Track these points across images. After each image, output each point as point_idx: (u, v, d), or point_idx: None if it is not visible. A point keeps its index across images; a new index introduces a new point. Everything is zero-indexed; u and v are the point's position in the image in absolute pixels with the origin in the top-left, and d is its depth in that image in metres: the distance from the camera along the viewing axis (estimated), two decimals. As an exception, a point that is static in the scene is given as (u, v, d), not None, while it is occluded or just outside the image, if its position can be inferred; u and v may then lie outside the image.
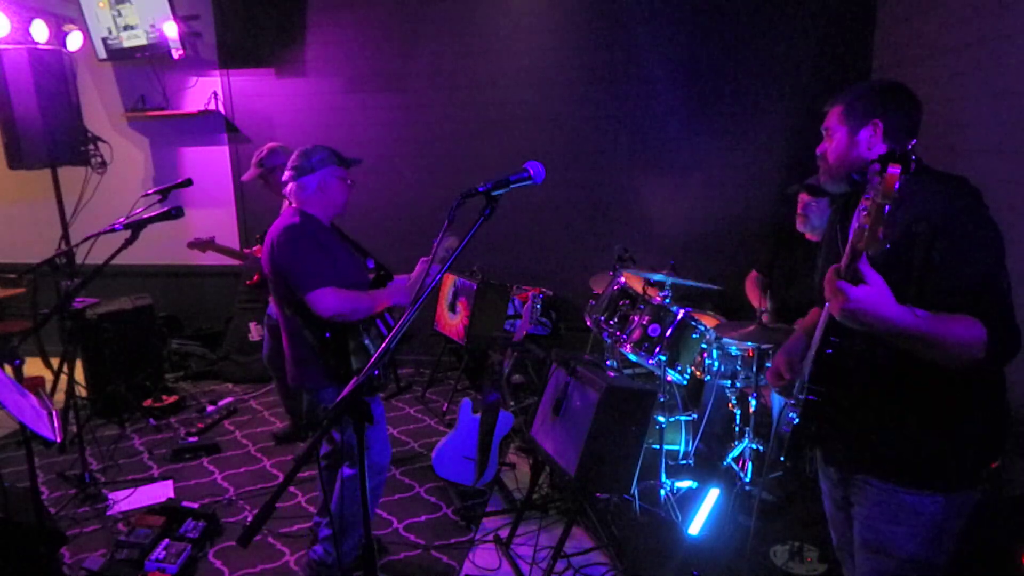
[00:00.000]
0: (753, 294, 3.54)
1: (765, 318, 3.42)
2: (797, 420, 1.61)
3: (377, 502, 2.85)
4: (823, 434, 1.69)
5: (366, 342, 2.41)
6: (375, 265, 2.63)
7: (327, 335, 2.37)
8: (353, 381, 1.52)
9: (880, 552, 1.63)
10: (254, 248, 3.69)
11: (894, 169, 1.24)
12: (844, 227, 1.70)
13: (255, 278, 3.72)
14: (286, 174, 2.49)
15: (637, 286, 3.36)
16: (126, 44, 4.81)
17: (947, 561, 1.61)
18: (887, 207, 1.24)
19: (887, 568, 1.63)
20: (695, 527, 2.93)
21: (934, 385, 1.50)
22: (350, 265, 2.51)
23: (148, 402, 4.39)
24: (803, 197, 3.12)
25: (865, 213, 1.26)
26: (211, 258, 3.88)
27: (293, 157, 2.50)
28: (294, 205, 2.50)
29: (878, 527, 1.62)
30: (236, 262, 3.77)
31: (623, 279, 3.23)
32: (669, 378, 3.11)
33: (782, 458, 1.99)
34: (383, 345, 1.55)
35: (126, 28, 4.77)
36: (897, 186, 1.24)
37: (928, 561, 1.59)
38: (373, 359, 1.56)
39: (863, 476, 1.64)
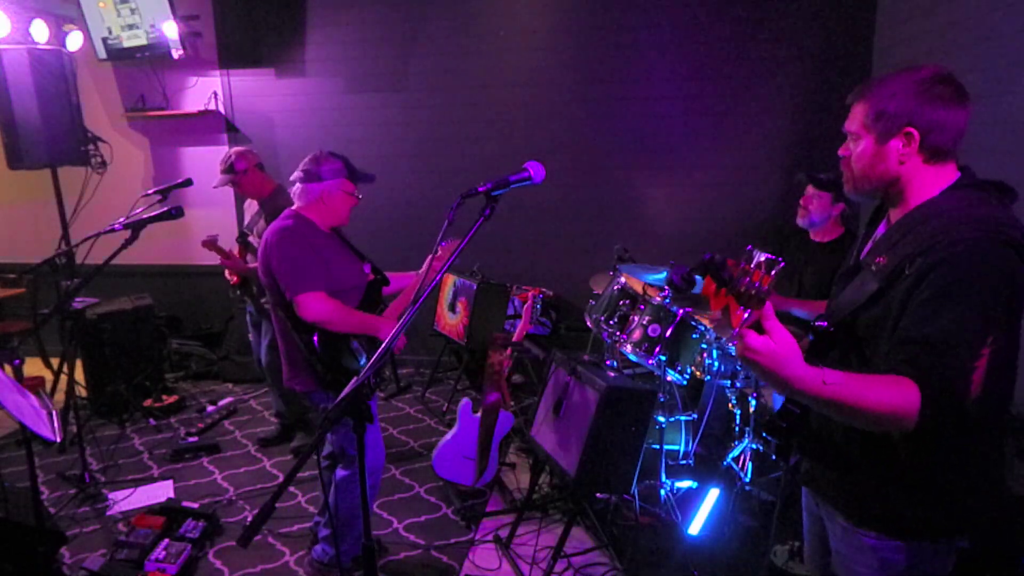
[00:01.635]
0: None
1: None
2: (767, 436, 1.55)
3: (373, 503, 2.84)
4: (799, 450, 1.60)
5: (355, 345, 2.40)
6: (371, 269, 2.62)
7: (315, 341, 2.36)
8: (353, 381, 1.51)
9: None
10: (235, 249, 3.72)
11: (709, 284, 1.20)
12: (866, 239, 1.55)
13: (235, 279, 3.74)
14: (296, 174, 2.49)
15: (637, 286, 3.36)
16: (126, 44, 4.81)
17: None
18: (732, 309, 1.18)
19: None
20: (695, 527, 2.93)
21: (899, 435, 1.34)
22: (346, 268, 2.50)
23: (148, 402, 4.40)
24: (808, 188, 3.11)
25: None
26: (211, 258, 3.88)
27: (307, 159, 2.49)
28: (294, 206, 2.50)
29: (847, 564, 1.53)
30: (224, 261, 3.76)
31: (623, 279, 3.23)
32: (669, 378, 3.11)
33: (773, 456, 1.91)
34: (382, 347, 1.55)
35: (126, 28, 4.77)
36: (726, 292, 1.18)
37: None
38: (373, 360, 1.55)
39: (829, 508, 1.55)
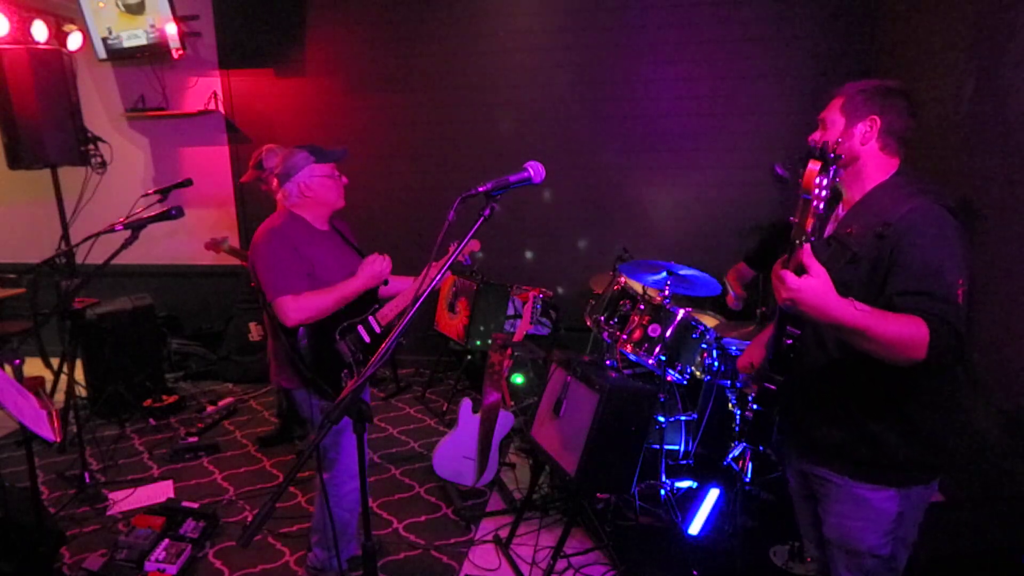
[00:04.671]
0: (732, 280, 3.52)
1: (730, 299, 3.44)
2: (757, 407, 1.68)
3: (356, 508, 2.65)
4: (782, 421, 1.77)
5: (341, 347, 2.38)
6: None
7: (300, 342, 2.34)
8: (352, 382, 1.51)
9: (845, 547, 1.70)
10: None
11: (813, 165, 1.32)
12: (824, 221, 1.75)
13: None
14: (274, 181, 2.47)
15: (637, 286, 3.36)
16: (126, 44, 4.81)
17: (911, 550, 1.68)
18: (813, 202, 1.32)
19: (853, 562, 1.69)
20: (695, 527, 2.93)
21: (882, 382, 1.56)
22: (337, 267, 2.44)
23: (148, 402, 4.39)
24: None
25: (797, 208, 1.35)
26: (211, 258, 3.89)
27: (277, 163, 2.47)
28: (286, 206, 2.48)
29: (841, 523, 1.69)
30: (241, 263, 3.79)
31: (623, 279, 3.23)
32: (669, 378, 3.11)
33: (745, 443, 2.05)
34: (383, 346, 1.54)
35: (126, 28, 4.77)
36: (819, 182, 1.31)
37: (889, 553, 1.66)
38: (375, 359, 1.55)
39: (822, 470, 1.71)
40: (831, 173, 1.33)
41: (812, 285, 1.36)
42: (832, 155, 1.32)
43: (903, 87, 1.67)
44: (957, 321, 1.44)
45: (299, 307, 2.29)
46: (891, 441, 1.60)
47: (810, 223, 1.33)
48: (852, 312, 1.38)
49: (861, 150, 1.65)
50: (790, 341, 1.52)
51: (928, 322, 1.41)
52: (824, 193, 1.33)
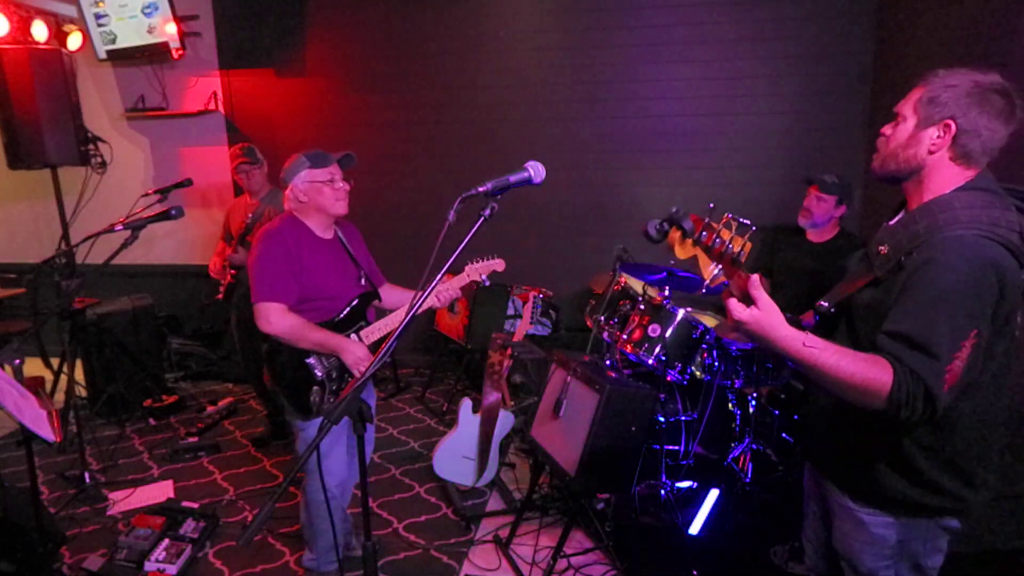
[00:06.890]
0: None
1: None
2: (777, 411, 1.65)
3: (338, 513, 2.62)
4: (803, 426, 1.73)
5: (309, 361, 2.36)
6: (366, 281, 2.55)
7: (267, 349, 2.34)
8: (352, 382, 1.51)
9: (848, 563, 1.62)
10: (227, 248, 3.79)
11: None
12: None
13: (228, 277, 3.79)
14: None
15: (637, 286, 3.36)
16: (126, 44, 4.81)
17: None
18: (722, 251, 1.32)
19: None
20: (695, 527, 2.93)
21: (880, 418, 1.37)
22: (329, 277, 2.40)
23: (148, 402, 4.40)
24: (812, 190, 3.11)
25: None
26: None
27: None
28: (290, 210, 2.47)
29: (846, 540, 1.60)
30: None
31: (623, 279, 3.23)
32: (669, 378, 3.11)
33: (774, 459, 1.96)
34: (381, 348, 1.54)
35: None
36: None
37: None
38: (375, 361, 1.55)
39: (828, 484, 1.63)
40: (711, 240, 1.38)
41: (757, 316, 1.32)
42: (690, 227, 1.38)
43: (1004, 86, 1.37)
44: (931, 378, 1.25)
45: (281, 321, 2.27)
46: (886, 478, 1.47)
47: (707, 275, 1.37)
48: (797, 347, 1.31)
49: (927, 159, 1.40)
50: None
51: (895, 369, 1.26)
52: (722, 251, 1.35)
